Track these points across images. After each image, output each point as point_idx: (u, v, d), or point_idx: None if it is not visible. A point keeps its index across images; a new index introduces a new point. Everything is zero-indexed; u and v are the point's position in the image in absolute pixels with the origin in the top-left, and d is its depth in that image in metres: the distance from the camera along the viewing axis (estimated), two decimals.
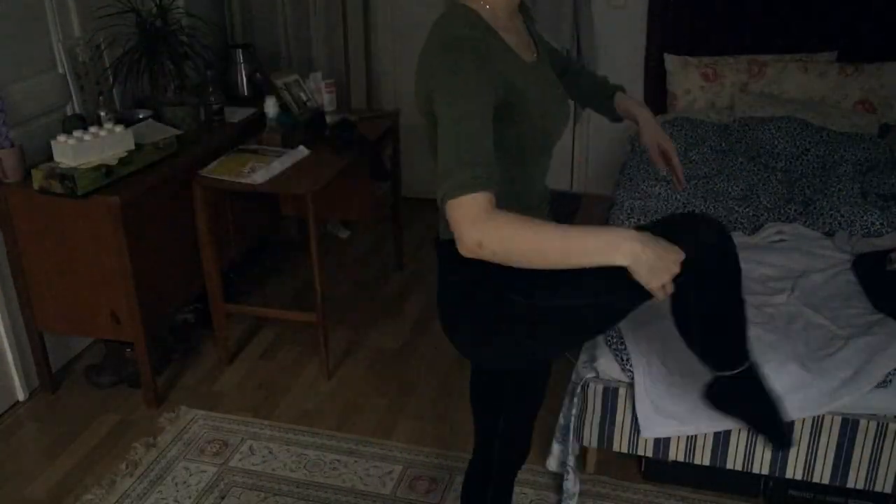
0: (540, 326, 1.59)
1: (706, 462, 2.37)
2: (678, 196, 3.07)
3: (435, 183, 1.40)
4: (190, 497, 2.56)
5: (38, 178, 2.69)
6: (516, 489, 2.54)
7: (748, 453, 2.32)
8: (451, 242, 1.42)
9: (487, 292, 1.56)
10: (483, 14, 1.55)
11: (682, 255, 1.39)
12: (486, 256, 1.34)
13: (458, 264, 1.46)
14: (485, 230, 1.32)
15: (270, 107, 3.28)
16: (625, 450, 2.42)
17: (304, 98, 3.63)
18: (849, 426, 2.23)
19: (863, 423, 2.23)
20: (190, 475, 2.65)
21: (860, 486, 2.29)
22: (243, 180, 2.93)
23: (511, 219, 1.34)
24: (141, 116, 3.17)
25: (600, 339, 2.41)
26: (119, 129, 2.82)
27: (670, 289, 1.40)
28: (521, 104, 1.52)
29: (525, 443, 2.00)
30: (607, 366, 2.37)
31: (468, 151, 1.37)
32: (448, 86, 1.43)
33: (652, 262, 1.35)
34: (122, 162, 2.77)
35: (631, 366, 2.32)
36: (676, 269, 1.38)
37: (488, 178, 1.36)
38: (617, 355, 2.35)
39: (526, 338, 1.62)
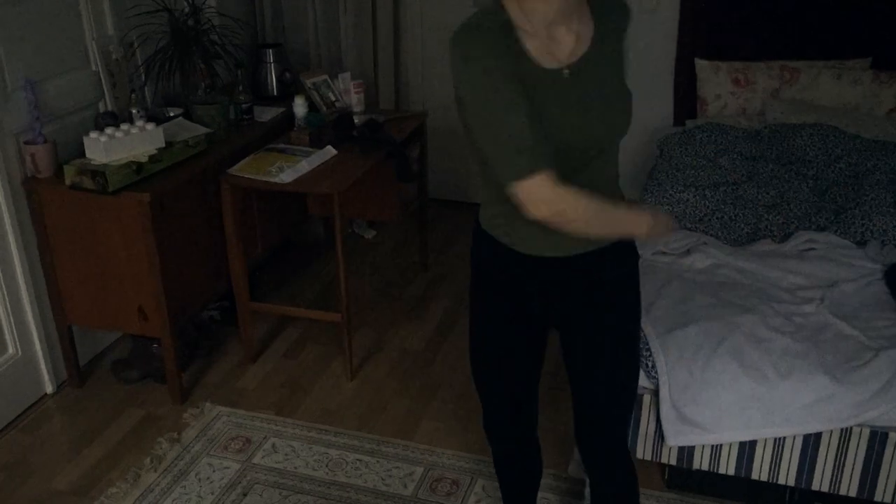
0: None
1: (731, 472, 2.34)
2: (707, 202, 3.04)
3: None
4: (213, 493, 2.58)
5: (69, 173, 2.72)
6: (539, 495, 2.53)
7: (774, 463, 2.29)
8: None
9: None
10: (512, 13, 1.55)
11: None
12: (561, 221, 1.55)
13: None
14: (559, 199, 1.53)
15: (299, 106, 3.30)
16: (648, 457, 2.40)
17: (333, 98, 3.64)
18: (877, 439, 2.20)
19: (892, 435, 2.19)
20: (213, 471, 2.67)
21: (888, 500, 2.25)
22: (271, 179, 2.94)
23: (577, 194, 1.54)
24: (171, 114, 3.20)
25: None
26: (150, 126, 2.85)
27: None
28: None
29: None
30: None
31: (521, 137, 1.50)
32: (466, 79, 1.57)
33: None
34: (153, 159, 2.79)
35: (656, 372, 2.30)
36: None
37: (541, 157, 1.51)
38: (642, 361, 2.32)
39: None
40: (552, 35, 1.59)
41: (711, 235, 2.86)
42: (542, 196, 1.51)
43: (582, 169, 1.64)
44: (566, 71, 1.59)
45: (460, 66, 1.52)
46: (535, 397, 1.96)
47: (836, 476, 2.26)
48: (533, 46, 1.57)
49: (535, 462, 2.10)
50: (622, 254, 1.78)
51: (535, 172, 1.49)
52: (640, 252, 2.78)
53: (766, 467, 2.30)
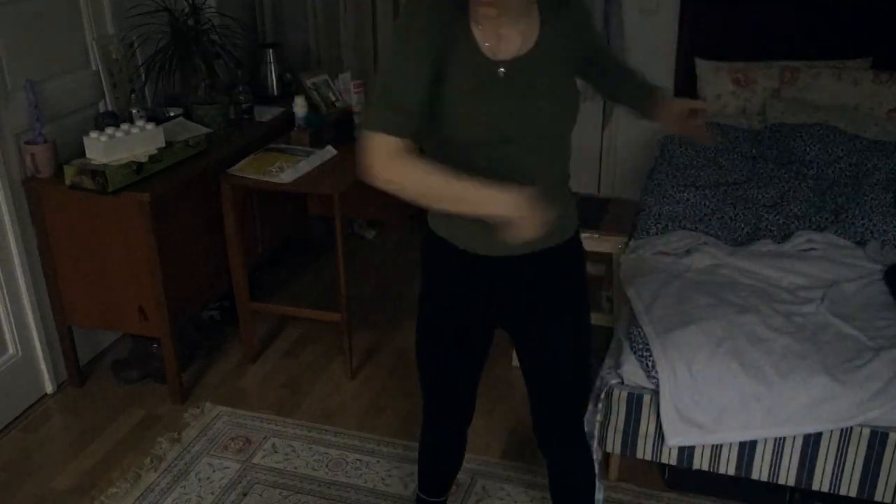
0: None
1: (731, 472, 2.34)
2: (707, 202, 3.04)
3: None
4: (213, 493, 2.58)
5: (69, 173, 2.72)
6: (538, 494, 2.54)
7: (774, 464, 2.29)
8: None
9: None
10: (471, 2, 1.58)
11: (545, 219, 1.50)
12: (390, 190, 1.54)
13: None
14: (384, 168, 1.52)
15: (299, 106, 3.30)
16: (648, 457, 2.40)
17: (333, 98, 3.64)
18: (878, 439, 2.20)
19: (892, 435, 2.19)
20: (213, 471, 2.67)
21: (888, 500, 2.25)
22: (271, 179, 2.94)
23: (408, 166, 1.52)
24: (171, 114, 3.21)
25: (625, 345, 2.39)
26: (150, 126, 2.85)
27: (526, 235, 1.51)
28: (445, 84, 1.59)
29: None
30: (632, 372, 2.35)
31: (395, 93, 1.53)
32: (394, 31, 1.62)
33: (519, 223, 1.50)
34: (153, 159, 2.79)
35: (656, 372, 2.30)
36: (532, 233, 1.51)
37: (402, 125, 1.52)
38: (642, 362, 2.33)
39: None
40: (499, 35, 1.62)
41: (711, 235, 2.86)
42: (373, 155, 1.52)
43: (510, 161, 1.66)
44: (502, 70, 1.62)
45: (396, 23, 1.60)
46: (474, 394, 2.04)
47: (836, 476, 2.26)
48: (479, 33, 1.61)
49: (460, 454, 2.18)
50: (568, 250, 1.80)
51: (380, 132, 1.51)
52: (640, 252, 2.79)
53: (766, 467, 2.31)
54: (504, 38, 1.63)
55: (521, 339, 1.91)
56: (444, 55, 1.57)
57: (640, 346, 2.34)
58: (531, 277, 1.78)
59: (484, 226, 1.60)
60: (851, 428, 2.21)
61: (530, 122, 1.65)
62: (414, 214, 3.98)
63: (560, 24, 1.68)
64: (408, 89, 1.53)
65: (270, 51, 3.82)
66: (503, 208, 1.50)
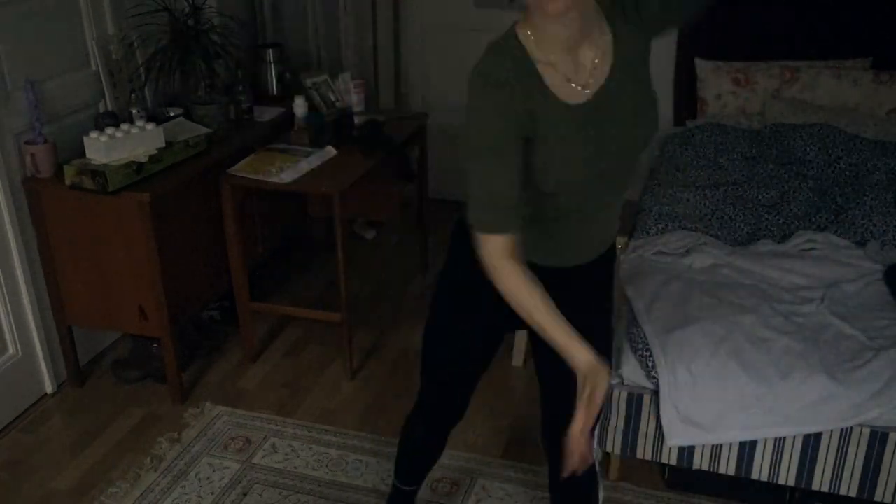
0: None
1: (731, 472, 2.34)
2: (707, 202, 3.04)
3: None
4: (213, 493, 2.58)
5: (70, 173, 2.72)
6: (538, 494, 2.54)
7: (774, 464, 2.30)
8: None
9: None
10: (528, 45, 1.52)
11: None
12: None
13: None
14: (495, 271, 1.56)
15: (299, 106, 3.30)
16: (648, 457, 2.40)
17: (333, 98, 3.65)
18: (877, 439, 2.20)
19: (892, 435, 2.19)
20: (213, 471, 2.67)
21: (888, 500, 2.26)
22: (271, 179, 2.94)
23: (514, 277, 1.54)
24: (171, 114, 3.20)
25: (625, 345, 2.39)
26: (150, 126, 2.85)
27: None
28: (540, 143, 1.54)
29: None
30: (632, 372, 2.35)
31: (489, 192, 1.52)
32: (468, 121, 1.52)
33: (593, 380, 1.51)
34: (153, 159, 2.79)
35: (656, 372, 2.30)
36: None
37: (505, 222, 1.53)
38: (642, 362, 2.33)
39: None
40: (575, 58, 1.54)
41: (711, 235, 2.86)
42: (487, 256, 1.56)
43: (591, 197, 1.66)
44: (590, 104, 1.56)
45: (468, 112, 1.51)
46: (471, 396, 2.05)
47: (836, 476, 2.26)
48: (553, 81, 1.52)
49: (442, 449, 2.21)
50: (609, 255, 1.83)
51: (495, 233, 1.54)
52: (640, 252, 2.80)
53: (766, 467, 2.31)
54: (581, 63, 1.53)
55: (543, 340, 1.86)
56: (526, 123, 1.51)
57: (640, 346, 2.34)
58: (569, 282, 1.74)
59: (541, 239, 1.65)
60: (851, 428, 2.21)
61: (621, 153, 1.60)
62: (414, 212, 3.99)
63: (625, 26, 1.58)
64: (502, 185, 1.51)
65: (270, 51, 3.82)
66: (576, 363, 1.51)
